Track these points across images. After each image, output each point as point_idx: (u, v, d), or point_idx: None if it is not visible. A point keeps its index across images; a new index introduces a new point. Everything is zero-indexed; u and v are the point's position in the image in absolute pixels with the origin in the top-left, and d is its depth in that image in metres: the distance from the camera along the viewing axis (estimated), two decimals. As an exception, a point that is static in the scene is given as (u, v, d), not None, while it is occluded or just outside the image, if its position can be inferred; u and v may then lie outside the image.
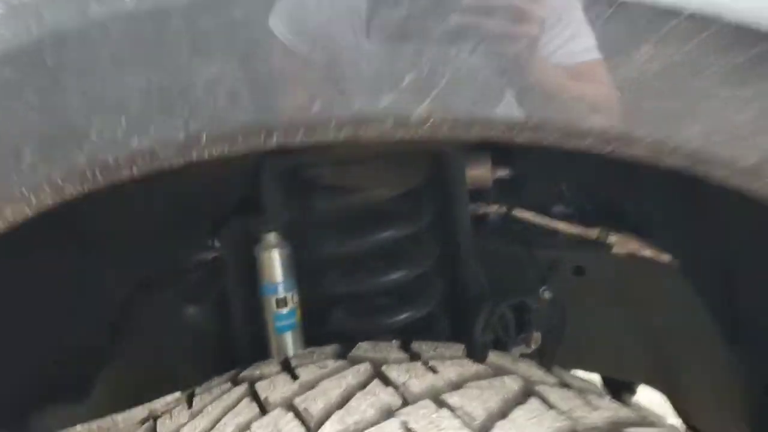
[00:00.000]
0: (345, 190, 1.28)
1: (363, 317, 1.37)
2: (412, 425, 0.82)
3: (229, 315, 1.59)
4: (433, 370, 0.98)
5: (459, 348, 1.09)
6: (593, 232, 1.47)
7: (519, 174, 1.49)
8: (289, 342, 1.49)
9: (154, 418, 1.10)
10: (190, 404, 1.07)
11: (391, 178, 1.27)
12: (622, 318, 1.51)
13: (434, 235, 1.39)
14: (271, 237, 1.46)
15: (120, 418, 1.56)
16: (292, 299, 1.47)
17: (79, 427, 1.26)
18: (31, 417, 1.61)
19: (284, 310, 1.47)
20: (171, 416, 1.05)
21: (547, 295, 1.49)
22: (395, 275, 1.33)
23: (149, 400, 1.83)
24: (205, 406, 1.02)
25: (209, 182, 1.30)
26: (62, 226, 1.24)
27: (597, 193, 1.52)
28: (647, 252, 1.46)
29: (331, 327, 1.44)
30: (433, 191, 1.37)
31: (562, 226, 1.48)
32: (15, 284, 1.25)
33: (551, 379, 1.00)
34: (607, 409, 0.87)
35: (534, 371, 1.02)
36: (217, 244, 1.58)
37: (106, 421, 1.57)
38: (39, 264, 1.28)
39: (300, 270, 1.50)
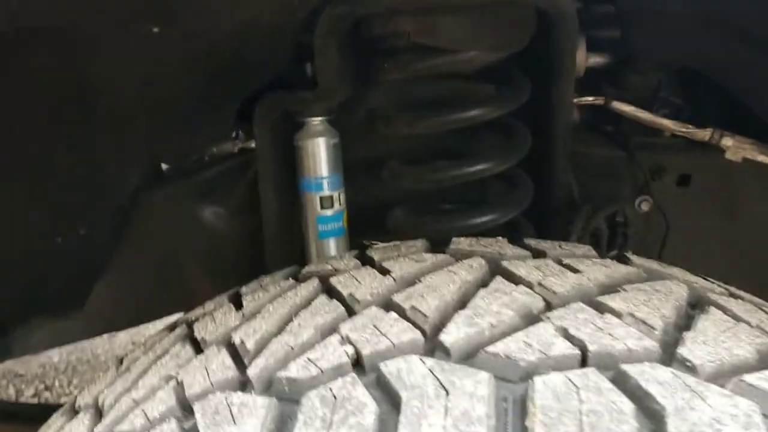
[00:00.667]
0: (428, 52, 1.00)
1: (429, 219, 1.11)
2: (573, 332, 0.61)
3: (255, 217, 1.32)
4: (572, 269, 0.74)
5: (588, 248, 0.85)
6: (704, 134, 1.22)
7: (617, 62, 1.22)
8: (333, 249, 1.24)
9: (187, 323, 0.84)
10: (237, 306, 0.82)
11: (489, 37, 0.99)
12: (729, 241, 1.28)
13: (527, 123, 1.12)
14: (317, 122, 1.18)
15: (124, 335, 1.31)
16: (339, 199, 1.21)
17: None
18: (13, 330, 1.35)
19: (329, 212, 1.20)
20: (214, 319, 0.79)
21: (645, 206, 1.24)
22: (475, 168, 1.07)
23: (154, 317, 1.58)
24: (262, 306, 0.77)
25: (241, 44, 1.01)
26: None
27: (704, 85, 1.25)
28: (766, 158, 1.22)
29: (388, 231, 1.17)
30: (533, 63, 1.10)
31: (667, 123, 1.22)
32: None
33: (716, 287, 0.79)
34: None
35: (694, 277, 0.79)
36: (242, 133, 1.30)
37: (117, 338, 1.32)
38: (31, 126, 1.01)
39: (352, 162, 1.23)
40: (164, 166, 1.31)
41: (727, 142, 1.22)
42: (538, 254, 0.82)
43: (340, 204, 1.21)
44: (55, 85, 1.00)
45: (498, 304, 0.66)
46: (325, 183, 1.19)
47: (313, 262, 1.07)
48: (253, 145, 1.28)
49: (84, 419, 0.71)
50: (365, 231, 1.31)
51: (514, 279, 0.72)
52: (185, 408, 0.63)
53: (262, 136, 1.17)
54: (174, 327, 0.87)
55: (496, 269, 0.76)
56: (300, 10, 0.98)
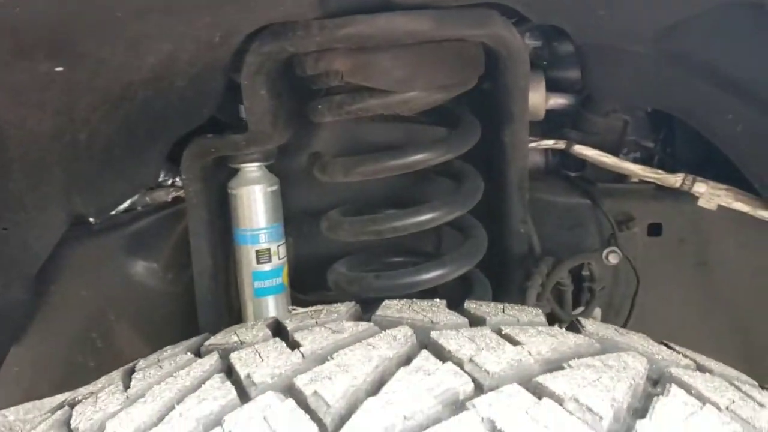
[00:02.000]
0: (365, 92, 0.90)
1: (369, 276, 1.00)
2: (500, 426, 0.50)
3: (189, 272, 1.21)
4: (512, 340, 0.64)
5: (536, 312, 0.74)
6: (675, 179, 1.13)
7: (579, 103, 1.14)
8: (271, 309, 1.12)
9: (70, 404, 0.72)
10: (126, 385, 0.70)
11: (429, 76, 0.89)
12: (705, 290, 1.17)
13: (481, 169, 1.03)
14: (253, 167, 1.08)
15: (29, 406, 1.18)
16: (278, 252, 1.10)
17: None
18: None
19: (267, 267, 1.09)
20: (96, 401, 0.67)
21: (613, 258, 1.14)
22: (419, 218, 0.96)
23: (79, 384, 1.45)
24: (149, 388, 0.65)
25: (161, 84, 0.92)
26: None
27: (677, 127, 1.17)
28: (743, 206, 1.13)
29: (329, 289, 1.06)
30: (482, 104, 1.00)
31: (634, 168, 1.13)
32: None
33: (681, 359, 0.69)
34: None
35: (656, 347, 0.69)
36: (177, 181, 1.20)
37: (9, 411, 1.19)
38: None
39: (290, 212, 1.13)
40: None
41: (700, 188, 1.14)
42: (476, 321, 0.71)
43: (279, 258, 1.10)
44: None
45: (418, 388, 0.55)
46: (261, 235, 1.08)
47: (245, 324, 0.96)
48: (186, 194, 1.18)
49: None
50: (310, 289, 1.21)
51: (442, 355, 0.61)
52: None
53: (191, 183, 1.07)
54: (58, 408, 0.75)
55: (425, 341, 0.65)
56: (222, 47, 0.88)
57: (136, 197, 1.20)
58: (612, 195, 1.16)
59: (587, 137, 1.13)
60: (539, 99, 1.11)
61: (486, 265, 1.07)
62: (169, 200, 1.20)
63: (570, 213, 1.17)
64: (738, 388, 0.62)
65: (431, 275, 0.97)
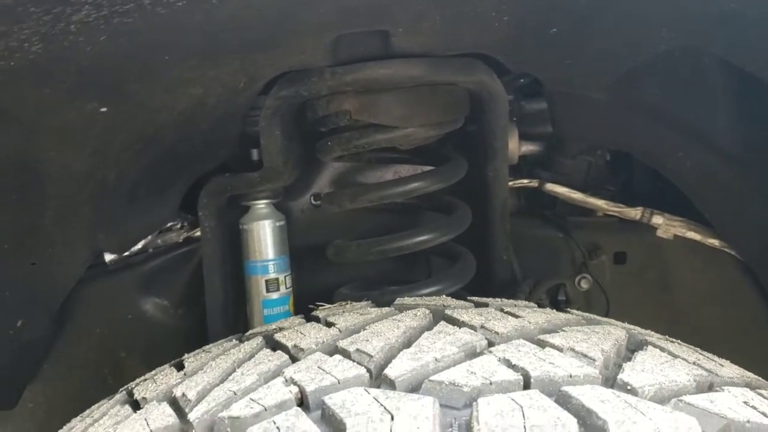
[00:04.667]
0: (371, 129, 1.04)
1: (374, 293, 1.11)
2: (515, 362, 0.62)
3: (198, 309, 1.30)
4: (513, 315, 0.77)
5: (528, 303, 0.87)
6: (635, 212, 1.28)
7: (548, 148, 1.29)
8: (279, 336, 1.22)
9: (127, 390, 0.81)
10: (180, 367, 0.80)
11: (425, 115, 1.04)
12: (667, 311, 1.31)
13: (466, 200, 1.16)
14: (263, 204, 1.20)
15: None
16: (285, 282, 1.21)
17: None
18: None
19: (275, 295, 1.20)
20: (154, 381, 0.77)
21: (585, 284, 1.28)
22: (416, 239, 1.09)
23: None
24: (204, 364, 0.76)
25: (189, 125, 1.04)
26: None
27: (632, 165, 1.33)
28: (695, 235, 1.28)
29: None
30: (467, 144, 1.15)
31: (599, 203, 1.28)
32: None
33: (654, 334, 0.82)
34: (733, 367, 0.73)
35: (631, 326, 0.82)
36: (187, 223, 1.31)
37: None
38: None
39: (292, 248, 1.24)
40: (108, 257, 1.29)
41: (658, 220, 1.29)
42: (480, 305, 0.83)
43: (286, 287, 1.21)
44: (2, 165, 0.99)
45: (442, 342, 0.66)
46: (270, 266, 1.19)
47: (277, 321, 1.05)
48: (198, 234, 1.29)
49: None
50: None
51: (457, 323, 0.73)
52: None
53: (207, 220, 1.18)
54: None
55: (440, 317, 0.76)
56: (245, 92, 1.01)
57: (148, 239, 1.30)
58: (581, 227, 1.31)
59: (557, 177, 1.29)
60: (514, 146, 1.27)
61: (472, 290, 1.19)
62: (180, 241, 1.31)
63: (545, 244, 1.31)
64: (701, 353, 0.75)
65: (428, 291, 1.08)
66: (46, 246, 1.10)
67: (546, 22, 0.94)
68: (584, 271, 1.29)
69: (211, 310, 1.21)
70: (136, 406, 0.73)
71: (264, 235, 1.19)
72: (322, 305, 0.92)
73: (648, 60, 1.02)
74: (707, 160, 1.17)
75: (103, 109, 0.95)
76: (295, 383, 0.62)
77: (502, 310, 0.78)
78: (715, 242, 1.28)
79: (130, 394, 0.78)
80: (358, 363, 0.64)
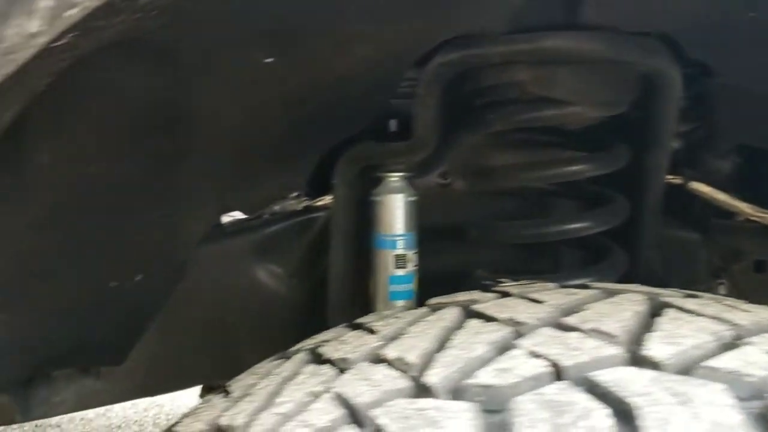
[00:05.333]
0: (541, 103, 0.99)
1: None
2: (543, 352, 0.61)
3: (311, 280, 1.25)
4: (536, 300, 0.76)
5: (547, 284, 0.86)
6: (780, 219, 1.21)
7: (694, 145, 1.23)
8: (401, 315, 1.17)
9: (309, 350, 0.77)
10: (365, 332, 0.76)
11: (599, 93, 0.99)
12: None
13: (622, 190, 1.11)
14: (397, 177, 1.15)
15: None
16: (412, 260, 1.16)
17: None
18: (36, 386, 1.23)
19: (402, 272, 1.15)
20: (345, 343, 0.74)
21: (722, 290, 1.21)
22: (579, 225, 1.04)
23: (188, 384, 1.45)
24: (402, 330, 0.72)
25: (348, 84, 0.99)
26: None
27: None
28: None
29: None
30: (628, 127, 1.09)
31: (743, 207, 1.22)
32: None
33: (674, 292, 0.79)
34: (754, 311, 0.70)
35: (647, 288, 0.81)
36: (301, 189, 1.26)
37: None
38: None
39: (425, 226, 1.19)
40: (224, 220, 1.25)
41: (805, 230, 1.22)
42: (504, 294, 0.82)
43: (413, 265, 1.16)
44: (147, 112, 0.95)
45: (473, 341, 0.65)
46: (400, 241, 1.15)
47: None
48: (319, 203, 1.25)
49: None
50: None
51: (487, 319, 0.71)
52: (355, 417, 0.57)
53: (341, 189, 1.13)
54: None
55: (470, 314, 0.75)
56: (410, 54, 0.97)
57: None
58: (722, 231, 1.25)
59: (702, 176, 1.22)
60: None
61: None
62: (300, 209, 1.27)
63: (681, 246, 1.24)
64: (721, 302, 0.73)
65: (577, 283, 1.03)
66: (177, 200, 1.06)
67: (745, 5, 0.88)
68: (722, 277, 1.22)
69: (334, 280, 1.17)
70: (332, 365, 0.68)
71: (396, 209, 1.14)
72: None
73: None
74: None
75: (269, 60, 0.91)
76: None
77: (523, 297, 0.77)
78: None
79: (315, 353, 0.74)
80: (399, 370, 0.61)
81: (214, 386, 2.15)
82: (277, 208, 1.29)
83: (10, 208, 0.87)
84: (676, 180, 1.23)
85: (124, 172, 0.98)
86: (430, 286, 1.23)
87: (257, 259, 1.24)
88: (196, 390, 1.94)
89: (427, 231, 1.23)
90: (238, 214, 1.28)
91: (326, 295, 1.18)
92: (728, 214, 1.26)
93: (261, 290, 1.24)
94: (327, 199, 1.23)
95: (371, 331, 0.75)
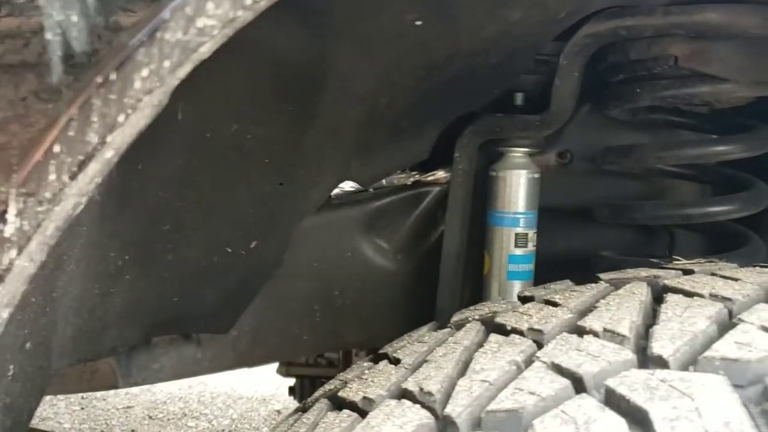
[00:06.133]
0: (696, 79, 0.95)
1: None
2: (562, 364, 0.61)
3: (417, 257, 1.23)
4: (554, 304, 0.76)
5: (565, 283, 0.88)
6: None
7: None
8: (515, 295, 1.14)
9: (482, 320, 0.75)
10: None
11: (756, 70, 0.94)
12: None
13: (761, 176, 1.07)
14: (520, 153, 1.12)
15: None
16: (533, 240, 1.13)
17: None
18: (137, 352, 1.21)
19: (521, 251, 1.12)
20: (524, 314, 0.72)
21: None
22: (724, 207, 1.00)
23: (288, 356, 1.42)
24: (593, 304, 0.72)
25: (487, 53, 0.96)
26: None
27: None
28: None
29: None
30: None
31: None
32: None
33: (671, 272, 0.81)
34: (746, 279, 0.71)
35: (648, 271, 0.82)
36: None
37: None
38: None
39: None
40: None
41: None
42: (525, 300, 0.84)
43: (533, 245, 1.13)
44: (285, 73, 0.93)
45: (492, 360, 0.65)
46: (522, 219, 1.11)
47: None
48: (430, 177, 1.22)
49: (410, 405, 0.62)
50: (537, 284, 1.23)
51: (506, 332, 0.72)
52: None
53: (462, 162, 1.10)
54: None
55: (491, 328, 0.76)
56: (557, 24, 0.93)
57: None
58: None
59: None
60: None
61: None
62: (409, 183, 1.24)
63: None
64: (716, 274, 0.74)
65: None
66: (299, 166, 1.04)
67: None
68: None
69: (447, 256, 1.14)
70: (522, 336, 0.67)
71: (519, 186, 1.11)
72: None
73: None
74: None
75: (418, 23, 0.88)
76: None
77: (544, 302, 0.78)
78: None
79: (490, 324, 0.72)
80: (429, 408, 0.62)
81: (293, 363, 2.16)
82: (384, 182, 1.27)
83: (145, 164, 0.86)
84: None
85: (255, 134, 0.96)
86: (550, 268, 1.21)
87: (363, 233, 1.22)
88: (249, 371, 1.92)
89: (545, 210, 1.20)
90: (345, 186, 1.26)
91: (435, 272, 1.16)
92: None
93: (366, 264, 1.22)
94: (438, 174, 1.21)
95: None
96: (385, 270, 1.23)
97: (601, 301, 0.69)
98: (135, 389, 3.72)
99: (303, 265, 1.21)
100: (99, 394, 3.63)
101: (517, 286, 1.13)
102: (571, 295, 0.73)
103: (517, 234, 1.11)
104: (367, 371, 0.77)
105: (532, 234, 1.12)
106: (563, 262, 1.17)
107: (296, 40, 0.86)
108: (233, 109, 0.91)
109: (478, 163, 1.15)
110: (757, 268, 0.75)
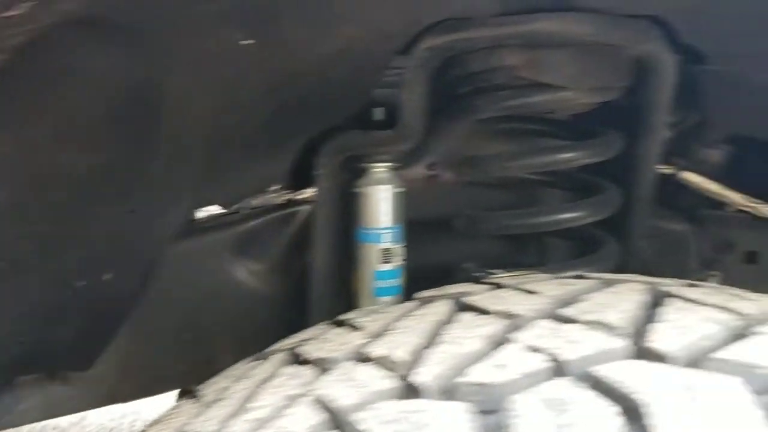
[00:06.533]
0: (532, 89, 0.95)
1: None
2: (541, 346, 0.56)
3: (292, 277, 1.20)
4: (531, 291, 0.71)
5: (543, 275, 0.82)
6: (769, 209, 1.19)
7: (685, 135, 1.20)
8: (387, 312, 1.12)
9: (287, 350, 0.72)
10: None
11: (592, 77, 0.95)
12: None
13: (614, 180, 1.07)
14: (383, 168, 1.10)
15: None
16: (400, 254, 1.11)
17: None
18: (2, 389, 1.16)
19: (388, 267, 1.10)
20: (326, 341, 0.69)
21: (713, 282, 1.19)
22: (561, 216, 1.00)
23: (163, 389, 1.38)
24: (388, 325, 0.68)
25: (330, 71, 0.94)
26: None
27: None
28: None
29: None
30: (619, 115, 1.06)
31: (735, 197, 1.19)
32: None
33: (675, 282, 0.75)
34: (759, 300, 0.66)
35: (647, 278, 0.77)
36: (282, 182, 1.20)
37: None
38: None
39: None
40: (198, 215, 1.20)
41: (795, 219, 1.19)
42: (498, 287, 0.77)
43: (400, 259, 1.11)
44: (114, 97, 0.89)
45: (464, 335, 0.60)
46: (386, 234, 1.10)
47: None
48: (300, 196, 1.20)
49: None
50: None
51: (480, 312, 0.66)
52: (337, 422, 0.51)
53: (325, 180, 1.08)
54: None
55: (462, 307, 0.70)
56: (394, 39, 0.92)
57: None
58: (712, 222, 1.22)
59: (693, 166, 1.19)
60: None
61: None
62: (281, 203, 1.21)
63: (673, 237, 1.21)
64: (726, 291, 0.69)
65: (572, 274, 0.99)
66: (150, 192, 1.00)
67: None
68: (712, 268, 1.19)
69: (316, 277, 1.12)
70: (312, 366, 0.63)
71: (382, 201, 1.09)
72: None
73: None
74: None
75: (246, 42, 0.86)
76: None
77: (518, 288, 0.72)
78: None
79: (294, 353, 0.69)
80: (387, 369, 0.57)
81: (191, 391, 2.11)
82: (256, 202, 1.24)
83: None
84: (668, 170, 1.20)
85: (90, 162, 0.92)
86: (418, 281, 1.19)
87: (234, 257, 1.18)
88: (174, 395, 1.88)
89: (414, 224, 1.19)
90: (214, 209, 1.23)
91: (308, 292, 1.13)
92: (720, 204, 1.23)
93: (239, 289, 1.19)
94: (309, 192, 1.19)
95: (355, 328, 0.70)
96: (259, 293, 1.20)
97: (397, 323, 0.67)
98: (64, 421, 3.60)
99: (171, 293, 1.17)
100: (25, 429, 3.48)
101: (385, 303, 1.11)
102: (377, 318, 0.71)
103: (381, 249, 1.10)
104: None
105: (398, 249, 1.11)
106: (436, 275, 1.16)
107: (120, 63, 0.83)
108: (60, 137, 0.87)
109: (344, 180, 1.13)
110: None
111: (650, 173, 1.07)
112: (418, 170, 1.18)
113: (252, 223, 1.19)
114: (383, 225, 1.09)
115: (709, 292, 0.67)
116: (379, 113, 1.10)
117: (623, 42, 0.94)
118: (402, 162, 1.13)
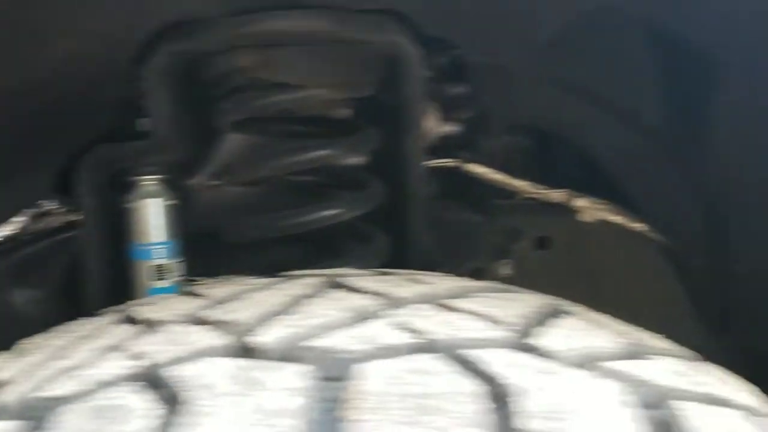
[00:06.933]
0: (272, 89, 0.93)
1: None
2: (412, 326, 0.53)
3: (74, 300, 1.15)
4: (420, 282, 0.67)
5: (446, 275, 0.78)
6: (558, 195, 1.21)
7: (470, 128, 1.21)
8: (168, 329, 1.08)
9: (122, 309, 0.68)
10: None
11: (335, 75, 0.94)
12: (590, 299, 1.24)
13: (378, 175, 1.06)
14: (152, 180, 1.06)
15: None
16: (176, 269, 1.07)
17: None
18: None
19: (165, 283, 1.06)
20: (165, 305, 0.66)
21: (505, 269, 1.20)
22: (322, 214, 0.98)
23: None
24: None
25: (70, 92, 0.90)
26: None
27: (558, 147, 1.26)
28: (620, 219, 1.22)
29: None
30: (383, 112, 1.05)
31: (521, 185, 1.21)
32: None
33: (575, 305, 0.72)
34: (662, 340, 0.65)
35: (549, 296, 0.73)
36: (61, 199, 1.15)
37: None
38: None
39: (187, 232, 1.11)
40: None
41: (581, 203, 1.22)
42: (386, 273, 0.73)
43: (177, 275, 1.07)
44: None
45: (328, 307, 0.57)
46: (159, 250, 1.06)
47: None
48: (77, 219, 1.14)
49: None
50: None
51: (353, 290, 0.63)
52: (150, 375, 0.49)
53: (87, 198, 1.03)
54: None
55: (334, 285, 0.66)
56: (125, 46, 0.89)
57: (22, 225, 1.15)
58: (502, 211, 1.23)
59: (478, 158, 1.20)
60: (432, 125, 1.18)
61: None
62: (59, 226, 1.16)
63: (464, 228, 1.22)
64: (628, 326, 0.67)
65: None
66: None
67: None
68: (505, 255, 1.21)
69: (90, 300, 1.07)
70: None
71: (152, 216, 1.05)
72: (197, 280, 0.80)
73: (569, 25, 0.96)
74: (633, 140, 1.12)
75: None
76: (138, 357, 0.51)
77: (406, 277, 0.69)
78: (639, 227, 1.22)
79: (127, 315, 0.66)
80: (222, 332, 0.53)
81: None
82: (35, 227, 1.18)
83: None
84: (452, 163, 1.21)
85: None
86: None
87: (12, 284, 1.12)
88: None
89: (202, 234, 1.15)
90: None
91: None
92: (511, 194, 1.25)
93: (18, 318, 1.13)
94: (86, 213, 1.13)
95: (201, 296, 0.67)
96: (41, 322, 1.13)
97: (254, 293, 0.63)
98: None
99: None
100: None
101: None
102: (227, 289, 0.66)
103: (155, 266, 1.05)
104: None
105: (173, 264, 1.06)
106: None
107: None
108: None
109: (116, 197, 1.08)
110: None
111: (418, 167, 1.06)
112: (203, 180, 1.15)
113: (29, 249, 1.13)
114: (154, 240, 1.05)
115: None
116: (142, 124, 1.06)
117: (360, 37, 0.93)
118: (176, 173, 1.09)
